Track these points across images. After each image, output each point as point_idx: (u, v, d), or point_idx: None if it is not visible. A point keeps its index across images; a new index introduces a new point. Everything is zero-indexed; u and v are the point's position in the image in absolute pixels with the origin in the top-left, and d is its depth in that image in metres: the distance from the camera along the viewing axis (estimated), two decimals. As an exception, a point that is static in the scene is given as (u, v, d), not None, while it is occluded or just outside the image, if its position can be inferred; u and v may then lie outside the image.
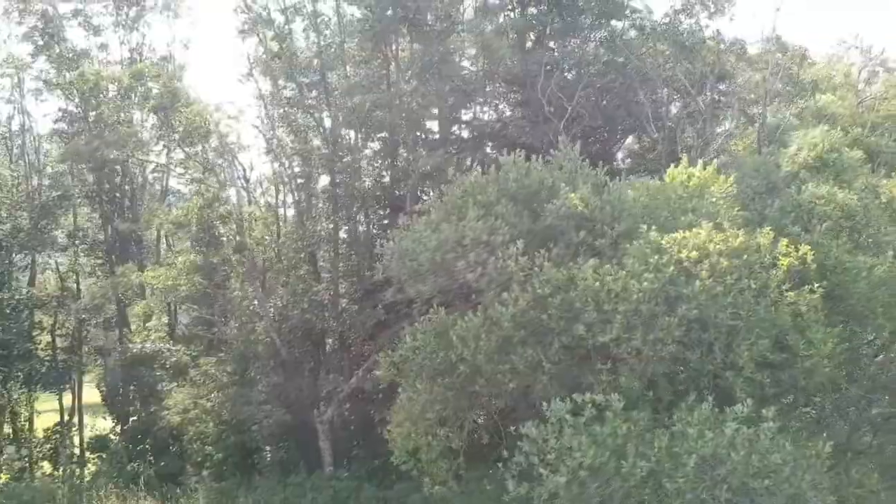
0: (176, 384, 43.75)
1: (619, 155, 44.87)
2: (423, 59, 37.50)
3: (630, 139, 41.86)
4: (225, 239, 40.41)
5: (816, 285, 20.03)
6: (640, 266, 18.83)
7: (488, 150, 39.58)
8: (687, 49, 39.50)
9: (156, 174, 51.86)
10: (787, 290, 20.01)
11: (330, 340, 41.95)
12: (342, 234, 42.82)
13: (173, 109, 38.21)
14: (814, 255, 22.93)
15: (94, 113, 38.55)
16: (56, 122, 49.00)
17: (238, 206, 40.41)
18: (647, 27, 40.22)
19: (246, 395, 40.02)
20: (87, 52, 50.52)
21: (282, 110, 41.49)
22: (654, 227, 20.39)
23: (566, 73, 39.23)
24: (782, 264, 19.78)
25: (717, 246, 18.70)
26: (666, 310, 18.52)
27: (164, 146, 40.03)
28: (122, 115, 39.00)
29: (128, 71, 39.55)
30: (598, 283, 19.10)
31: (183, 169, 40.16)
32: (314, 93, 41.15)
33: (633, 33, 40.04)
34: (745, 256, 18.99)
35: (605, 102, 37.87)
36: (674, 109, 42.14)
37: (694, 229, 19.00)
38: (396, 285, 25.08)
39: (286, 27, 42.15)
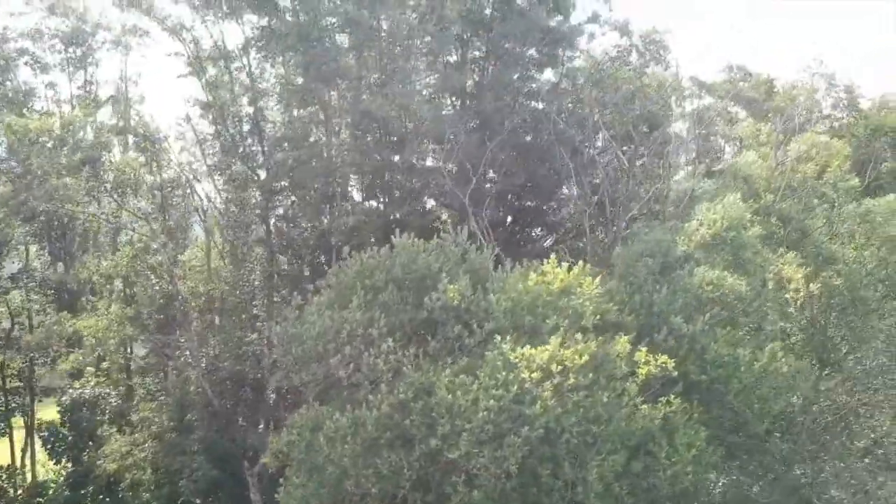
0: (116, 429, 43.75)
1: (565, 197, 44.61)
2: (355, 110, 37.26)
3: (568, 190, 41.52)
4: (157, 288, 40.30)
5: (678, 389, 19.85)
6: (490, 380, 18.66)
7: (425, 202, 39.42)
8: (623, 99, 39.29)
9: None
10: (650, 396, 19.83)
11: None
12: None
13: (100, 162, 38.07)
14: (697, 346, 22.93)
15: (27, 162, 38.30)
16: (1, 162, 48.92)
17: (172, 256, 40.20)
18: (582, 76, 40.01)
19: (181, 443, 40.00)
20: (33, 90, 50.64)
21: (216, 158, 41.41)
22: (521, 330, 20.24)
23: (505, 121, 38.73)
24: (641, 373, 19.60)
25: (565, 363, 18.48)
26: (513, 427, 18.36)
27: (94, 197, 39.79)
28: (59, 163, 38.74)
29: (58, 121, 39.33)
30: (451, 396, 18.94)
31: (114, 219, 39.98)
32: (249, 140, 40.97)
33: (565, 83, 39.77)
34: (592, 375, 18.77)
35: (532, 158, 37.59)
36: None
37: (539, 347, 18.76)
38: (283, 370, 25.01)
39: (225, 68, 42.10)
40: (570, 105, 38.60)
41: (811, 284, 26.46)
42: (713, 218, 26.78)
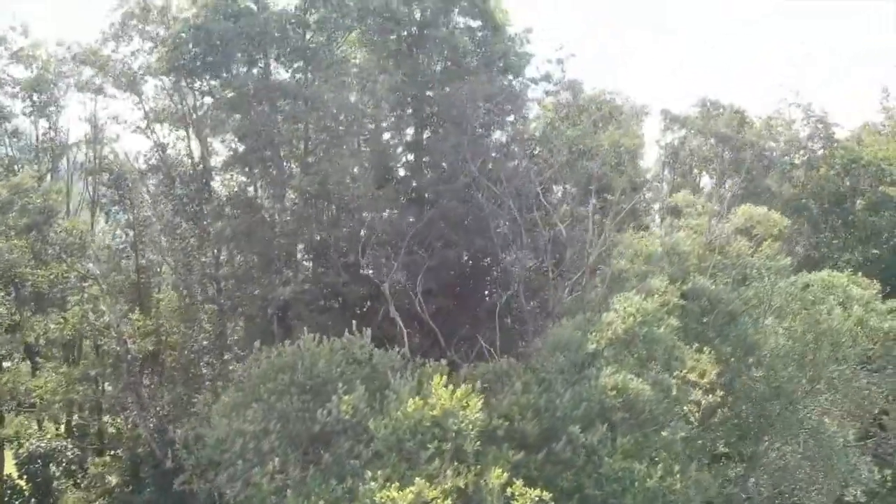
0: (73, 482, 43.96)
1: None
2: (288, 183, 37.18)
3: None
4: (105, 349, 40.54)
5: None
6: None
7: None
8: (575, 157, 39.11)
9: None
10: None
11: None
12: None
13: (47, 225, 38.23)
14: (595, 458, 22.74)
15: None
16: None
17: (121, 315, 40.25)
18: (532, 136, 39.86)
19: (132, 501, 40.16)
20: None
21: (166, 219, 41.53)
22: (402, 454, 20.13)
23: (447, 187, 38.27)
24: (517, 505, 19.46)
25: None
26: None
27: (42, 260, 39.88)
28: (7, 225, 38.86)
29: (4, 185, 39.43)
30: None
31: (63, 279, 40.10)
32: (197, 200, 40.97)
33: (515, 145, 39.58)
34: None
35: (470, 226, 37.34)
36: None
37: (404, 490, 18.62)
38: (186, 473, 25.09)
39: (181, 128, 42.16)
40: (514, 167, 38.26)
41: (722, 387, 26.16)
42: (629, 311, 26.55)
